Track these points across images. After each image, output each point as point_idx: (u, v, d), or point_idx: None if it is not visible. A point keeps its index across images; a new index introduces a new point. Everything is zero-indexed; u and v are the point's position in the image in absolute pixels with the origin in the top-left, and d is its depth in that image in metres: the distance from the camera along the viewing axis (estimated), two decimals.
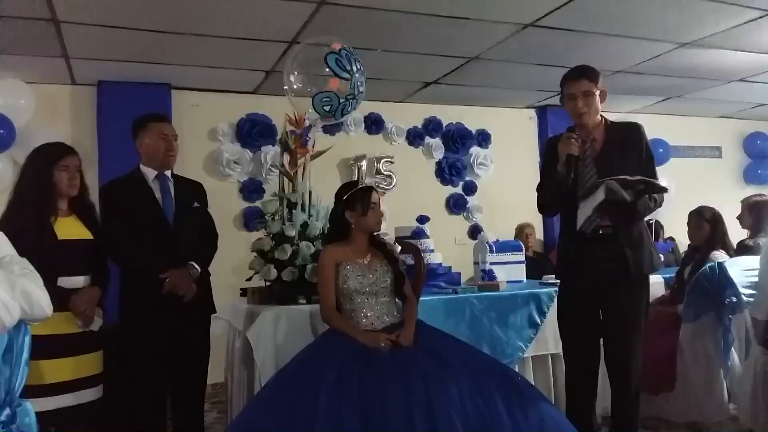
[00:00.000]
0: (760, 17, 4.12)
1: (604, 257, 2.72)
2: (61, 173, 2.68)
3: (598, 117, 2.84)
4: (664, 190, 2.74)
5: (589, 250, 2.75)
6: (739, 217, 4.21)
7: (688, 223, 4.04)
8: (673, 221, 5.83)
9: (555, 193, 2.81)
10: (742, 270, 3.47)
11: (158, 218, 2.90)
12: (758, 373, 3.09)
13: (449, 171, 6.20)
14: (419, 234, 3.68)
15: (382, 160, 5.87)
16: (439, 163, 6.21)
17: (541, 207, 3.01)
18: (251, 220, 5.36)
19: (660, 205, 2.82)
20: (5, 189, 3.48)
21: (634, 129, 2.86)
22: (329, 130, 5.40)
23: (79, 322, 2.62)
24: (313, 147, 3.22)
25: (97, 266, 2.76)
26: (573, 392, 2.91)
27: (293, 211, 3.08)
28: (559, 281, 3.03)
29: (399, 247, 3.16)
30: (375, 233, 2.76)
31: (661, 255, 4.73)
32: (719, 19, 4.16)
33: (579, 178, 2.73)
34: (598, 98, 2.79)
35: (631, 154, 2.77)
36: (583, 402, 2.84)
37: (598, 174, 2.72)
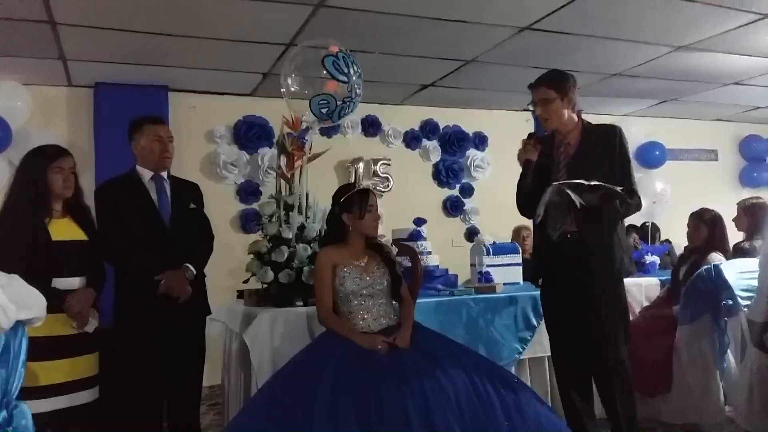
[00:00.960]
0: (756, 21, 4.13)
1: (569, 262, 2.74)
2: (56, 175, 2.68)
3: (574, 121, 2.84)
4: (621, 196, 2.63)
5: (558, 255, 2.79)
6: (735, 220, 4.23)
7: (688, 225, 4.06)
8: (669, 224, 5.85)
9: (525, 194, 2.88)
10: (738, 272, 3.48)
11: (154, 219, 2.89)
12: (754, 375, 3.11)
13: (446, 173, 6.21)
14: (416, 236, 3.68)
15: (379, 163, 5.88)
16: (436, 166, 6.22)
17: (519, 208, 3.03)
18: (248, 222, 5.37)
19: (637, 209, 2.78)
20: (1, 190, 3.48)
21: (609, 132, 2.83)
22: (326, 132, 5.40)
23: (73, 324, 2.61)
24: (310, 149, 3.22)
25: (92, 268, 2.76)
26: (562, 394, 2.92)
27: (290, 213, 3.08)
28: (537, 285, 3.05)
29: (396, 249, 3.16)
30: (371, 236, 2.75)
31: (659, 259, 4.75)
32: (715, 23, 4.18)
33: (552, 183, 2.73)
34: (559, 104, 2.79)
35: (605, 158, 2.75)
36: (571, 404, 2.84)
37: (568, 178, 2.72)
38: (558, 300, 2.86)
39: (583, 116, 2.94)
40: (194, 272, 2.89)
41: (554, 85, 2.80)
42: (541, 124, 2.88)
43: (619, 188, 2.61)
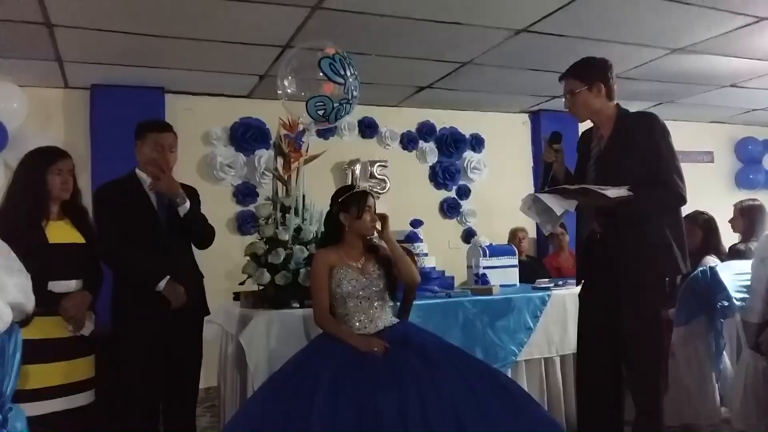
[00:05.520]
0: (751, 24, 4.15)
1: (597, 264, 2.68)
2: (54, 177, 2.68)
3: (610, 111, 2.67)
4: (608, 199, 2.43)
5: (586, 254, 2.75)
6: (731, 222, 4.23)
7: None
8: None
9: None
10: (733, 274, 3.49)
11: (152, 223, 2.88)
12: (749, 376, 3.12)
13: (443, 175, 6.21)
14: (413, 238, 3.69)
15: (376, 165, 5.88)
16: (432, 168, 6.22)
17: None
18: (245, 223, 5.36)
19: (674, 204, 2.56)
20: None
21: (642, 121, 2.64)
22: (323, 134, 5.40)
23: (69, 327, 2.61)
24: (306, 151, 3.21)
25: (89, 270, 2.75)
26: (579, 398, 2.85)
27: (287, 215, 3.08)
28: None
29: None
30: (369, 237, 2.76)
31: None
32: (710, 26, 4.19)
33: (585, 179, 2.66)
34: (586, 95, 2.64)
35: (632, 149, 2.56)
36: (589, 411, 2.72)
37: (596, 173, 2.64)
38: (585, 303, 2.77)
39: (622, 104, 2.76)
40: (188, 207, 2.86)
41: (579, 74, 2.64)
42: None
43: (624, 187, 2.43)
